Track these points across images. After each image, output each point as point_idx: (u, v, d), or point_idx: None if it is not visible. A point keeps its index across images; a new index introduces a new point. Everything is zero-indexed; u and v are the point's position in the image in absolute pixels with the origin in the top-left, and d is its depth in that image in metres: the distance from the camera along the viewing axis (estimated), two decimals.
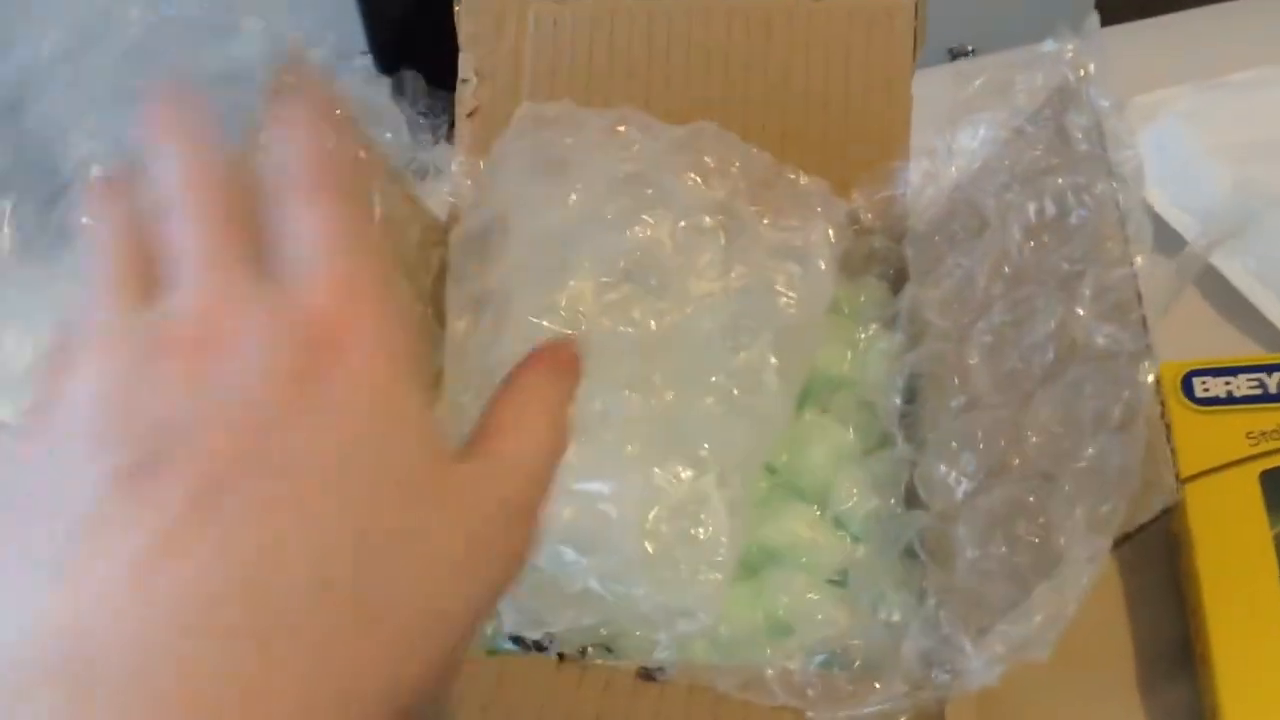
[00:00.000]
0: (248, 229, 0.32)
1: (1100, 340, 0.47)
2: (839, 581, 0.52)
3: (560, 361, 0.37)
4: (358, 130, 0.34)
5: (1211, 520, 0.57)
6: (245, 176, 0.34)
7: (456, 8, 0.65)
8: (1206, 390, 0.61)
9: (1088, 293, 0.48)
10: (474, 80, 0.65)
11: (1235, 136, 0.74)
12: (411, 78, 0.60)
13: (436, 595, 0.31)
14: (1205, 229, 0.68)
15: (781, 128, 0.63)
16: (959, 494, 0.48)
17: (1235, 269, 0.69)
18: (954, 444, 0.49)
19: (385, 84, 0.57)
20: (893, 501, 0.52)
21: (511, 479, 0.34)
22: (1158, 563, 0.59)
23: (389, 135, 0.57)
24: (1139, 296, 0.47)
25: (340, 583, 0.29)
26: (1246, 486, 0.58)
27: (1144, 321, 0.46)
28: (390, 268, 0.34)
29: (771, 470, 0.56)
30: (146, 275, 0.32)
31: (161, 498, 0.28)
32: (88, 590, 0.27)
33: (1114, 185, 0.50)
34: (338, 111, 0.36)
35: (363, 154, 0.37)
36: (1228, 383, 0.61)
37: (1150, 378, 0.44)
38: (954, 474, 0.48)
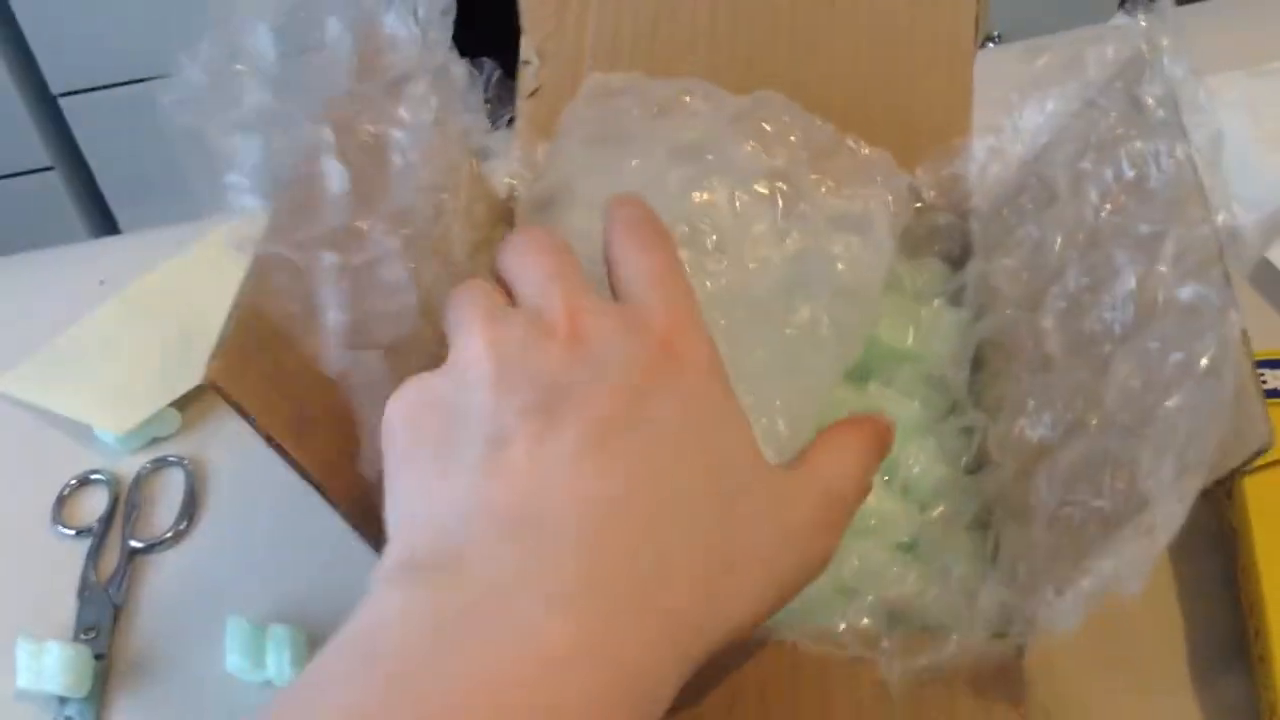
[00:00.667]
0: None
1: (1183, 296, 0.46)
2: (908, 547, 0.51)
3: (880, 431, 0.44)
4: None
5: (1271, 514, 0.56)
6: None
7: None
8: (1265, 383, 0.60)
9: (1169, 252, 0.47)
10: (535, 61, 0.65)
11: None
12: (490, 66, 0.60)
13: (759, 569, 0.38)
14: (1258, 219, 0.67)
15: (843, 104, 0.63)
16: (1037, 445, 0.46)
17: None
18: (1030, 403, 0.48)
19: (464, 66, 0.57)
20: (961, 470, 0.51)
21: (825, 493, 0.41)
22: (1211, 556, 0.59)
23: (468, 116, 0.57)
24: (1221, 253, 0.46)
25: (708, 518, 0.37)
26: None
27: (1227, 277, 0.45)
28: (696, 304, 0.42)
29: None
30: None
31: (560, 430, 0.36)
32: (518, 481, 0.35)
33: (1192, 150, 0.49)
34: None
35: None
36: None
37: (1237, 328, 0.43)
38: (1031, 429, 0.47)
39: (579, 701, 0.32)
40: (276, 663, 0.59)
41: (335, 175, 0.48)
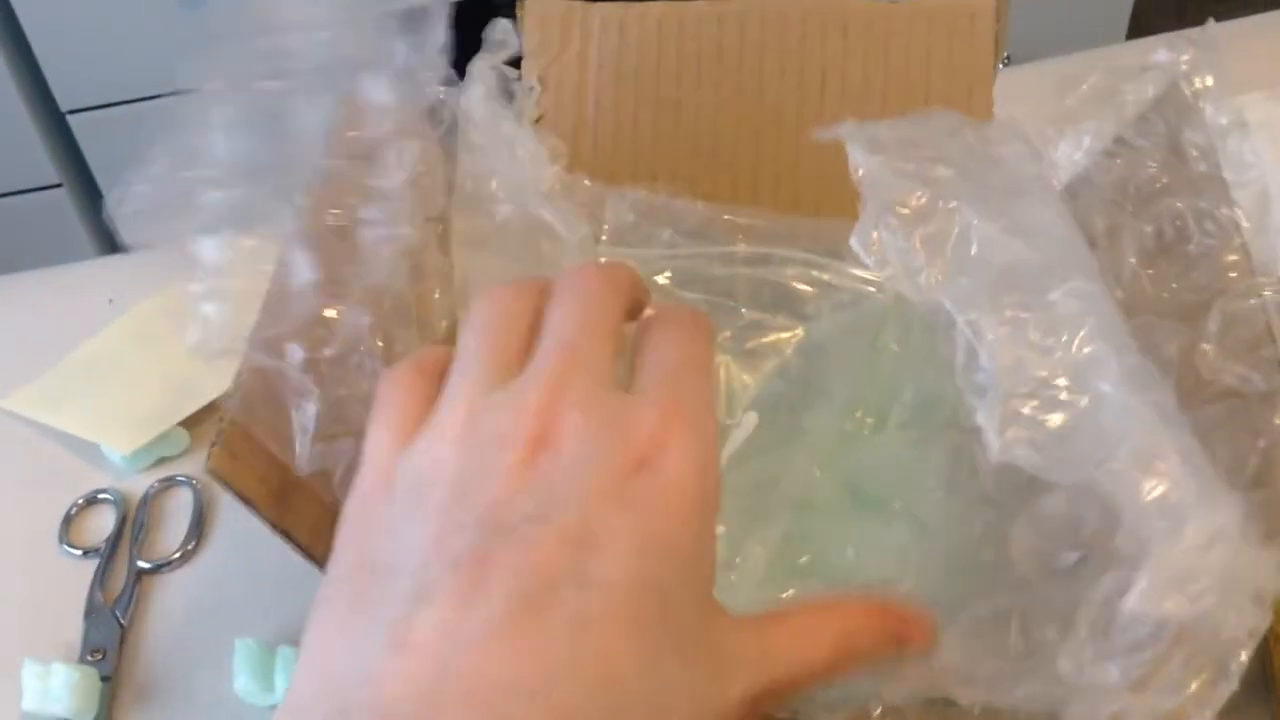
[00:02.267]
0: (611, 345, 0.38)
1: (1228, 379, 0.44)
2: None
3: (896, 630, 0.40)
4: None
5: None
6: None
7: (519, 13, 0.62)
8: None
9: (1213, 328, 0.45)
10: (538, 88, 0.63)
11: None
12: None
13: None
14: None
15: None
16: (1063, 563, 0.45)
17: None
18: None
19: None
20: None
21: (773, 673, 0.37)
22: None
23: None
24: (1270, 333, 0.44)
25: (632, 701, 0.32)
26: None
27: (1278, 361, 0.44)
28: (712, 399, 0.38)
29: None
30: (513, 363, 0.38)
31: (491, 588, 0.32)
32: (420, 663, 0.31)
33: (1237, 211, 0.47)
34: None
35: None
36: None
37: None
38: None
39: None
40: (285, 685, 0.58)
41: (302, 266, 0.47)
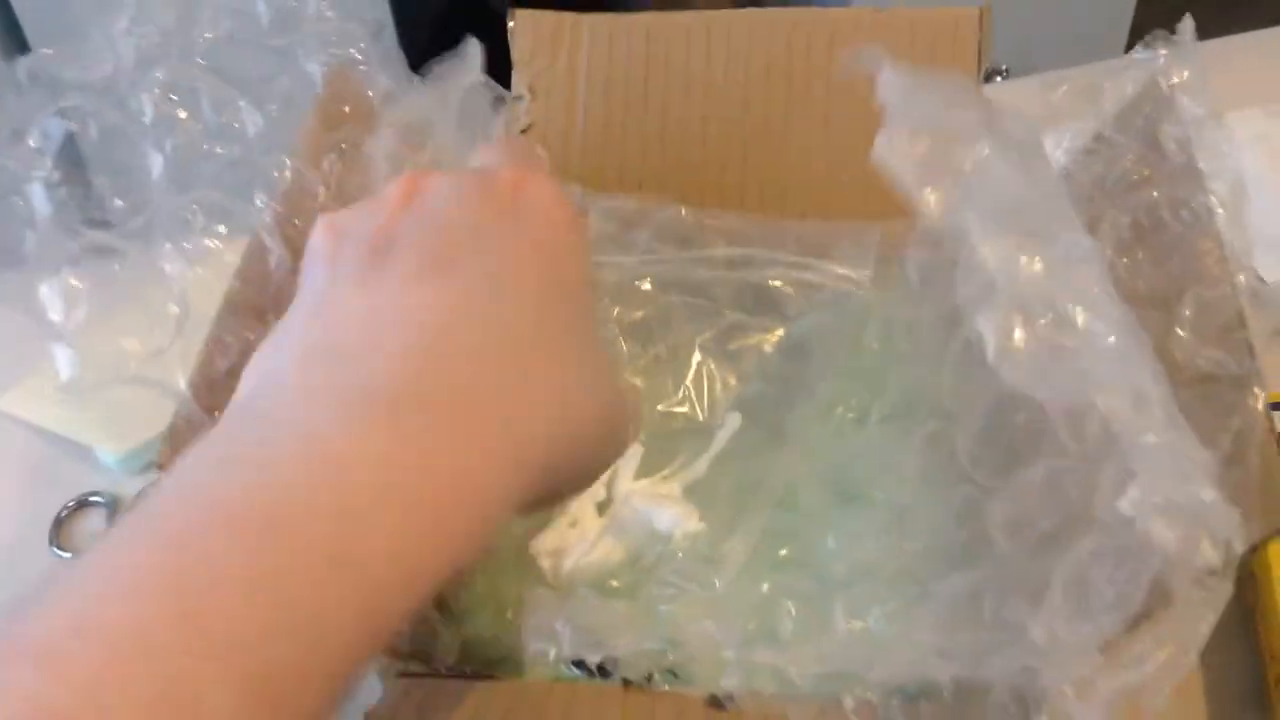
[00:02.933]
0: None
1: (1201, 363, 0.44)
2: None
3: None
4: None
5: None
6: None
7: (510, 25, 0.63)
8: None
9: (1187, 313, 0.45)
10: (527, 97, 0.63)
11: None
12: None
13: (575, 410, 0.39)
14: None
15: (845, 141, 0.61)
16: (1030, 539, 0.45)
17: None
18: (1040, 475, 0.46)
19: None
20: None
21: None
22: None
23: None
24: (1241, 318, 0.44)
25: (534, 351, 0.38)
26: None
27: (1249, 345, 0.44)
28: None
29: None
30: None
31: (388, 268, 0.37)
32: (339, 318, 0.37)
33: (1212, 199, 0.48)
34: None
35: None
36: None
37: (1260, 404, 0.42)
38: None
39: (369, 504, 0.31)
40: None
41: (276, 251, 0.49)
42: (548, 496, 0.39)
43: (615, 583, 0.52)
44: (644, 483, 0.55)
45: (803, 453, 0.55)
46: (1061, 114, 0.55)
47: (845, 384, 0.56)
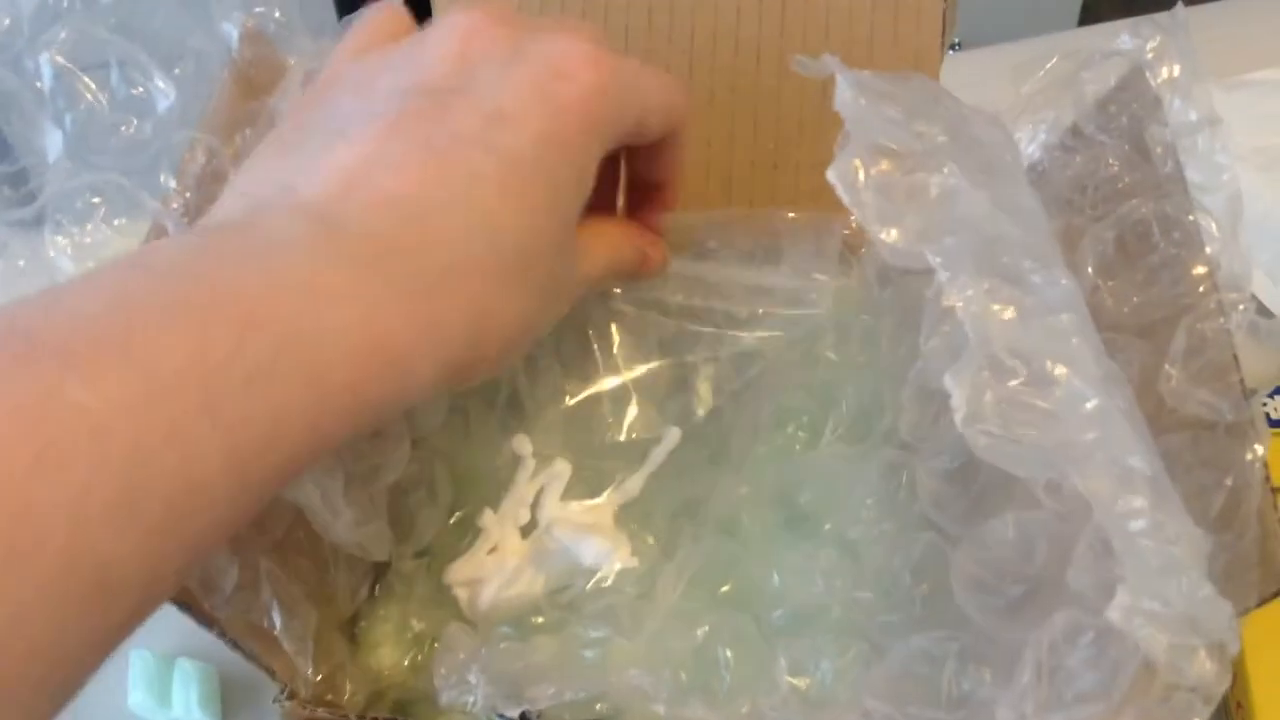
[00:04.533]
0: None
1: (1193, 407, 0.40)
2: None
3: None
4: None
5: None
6: None
7: None
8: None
9: (1178, 348, 0.41)
10: None
11: (1260, 140, 0.68)
12: None
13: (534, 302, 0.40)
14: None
15: (798, 119, 0.56)
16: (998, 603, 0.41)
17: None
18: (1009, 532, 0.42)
19: None
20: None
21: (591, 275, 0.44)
22: None
23: None
24: (1235, 358, 0.40)
25: (507, 250, 0.38)
26: None
27: (1243, 386, 0.39)
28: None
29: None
30: None
31: (405, 134, 0.37)
32: (335, 172, 0.36)
33: (1206, 218, 0.43)
34: None
35: None
36: None
37: (1259, 463, 0.38)
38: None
39: (333, 336, 0.32)
40: (183, 701, 0.55)
41: None
42: (469, 369, 0.38)
43: (539, 619, 0.48)
44: (574, 506, 0.51)
45: (748, 473, 0.50)
46: (1036, 106, 0.50)
47: (798, 398, 0.52)
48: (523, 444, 0.53)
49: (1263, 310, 0.56)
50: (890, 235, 0.36)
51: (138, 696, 0.55)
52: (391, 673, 0.49)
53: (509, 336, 0.39)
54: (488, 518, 0.50)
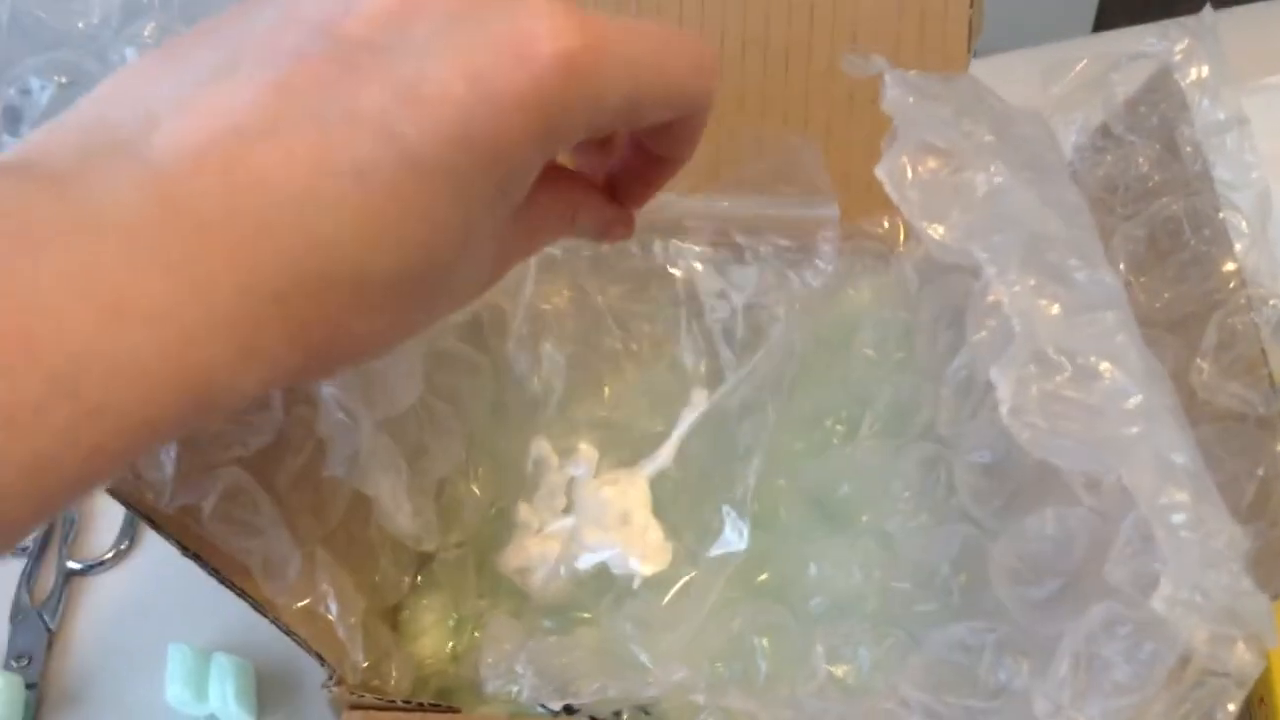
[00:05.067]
0: None
1: (1224, 400, 0.41)
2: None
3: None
4: None
5: None
6: None
7: None
8: None
9: (1209, 343, 0.42)
10: None
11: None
12: None
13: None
14: None
15: (826, 123, 0.57)
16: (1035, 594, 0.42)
17: None
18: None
19: None
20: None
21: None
22: None
23: None
24: (1264, 351, 0.41)
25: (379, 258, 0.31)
26: None
27: (1271, 380, 0.40)
28: None
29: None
30: None
31: (296, 92, 0.30)
32: (193, 120, 0.30)
33: (1236, 215, 0.44)
34: None
35: None
36: None
37: None
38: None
39: (133, 370, 0.27)
40: (220, 694, 0.55)
41: None
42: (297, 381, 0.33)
43: (584, 614, 0.49)
44: (605, 482, 0.51)
45: (785, 466, 0.51)
46: (1065, 107, 0.51)
47: (835, 393, 0.52)
48: (540, 445, 0.53)
49: None
50: (937, 232, 0.36)
51: (175, 690, 0.55)
52: (434, 661, 0.50)
53: (357, 355, 0.33)
54: (523, 511, 0.51)
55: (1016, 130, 0.41)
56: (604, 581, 0.50)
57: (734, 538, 0.48)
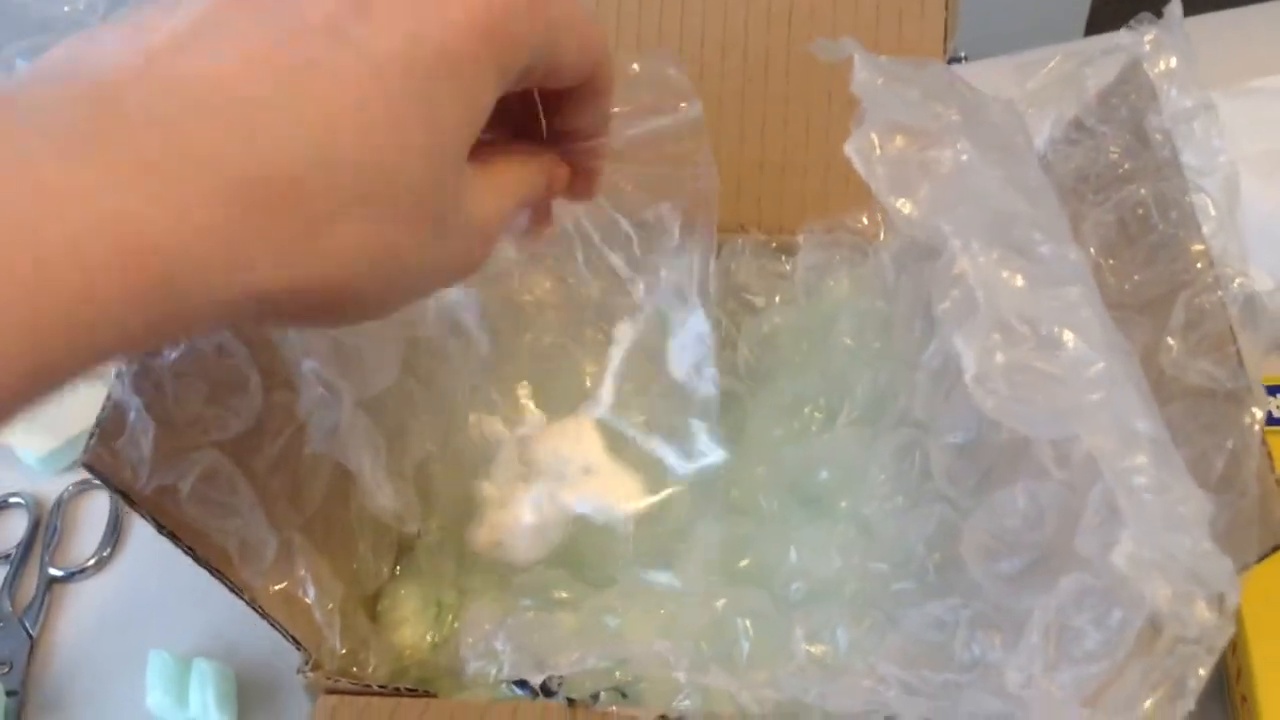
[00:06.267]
0: None
1: (1193, 377, 0.41)
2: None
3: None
4: None
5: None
6: None
7: None
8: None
9: (1177, 321, 0.42)
10: None
11: (1262, 145, 0.69)
12: None
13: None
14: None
15: (805, 123, 0.58)
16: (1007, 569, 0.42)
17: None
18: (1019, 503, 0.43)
19: None
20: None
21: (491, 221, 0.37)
22: None
23: None
24: (1231, 329, 0.41)
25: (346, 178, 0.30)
26: None
27: (1239, 356, 0.41)
28: None
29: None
30: None
31: (250, 6, 0.30)
32: (153, 39, 0.30)
33: (1203, 198, 0.44)
34: None
35: None
36: None
37: (1257, 425, 0.39)
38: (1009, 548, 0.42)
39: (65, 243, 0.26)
40: (200, 701, 0.55)
41: None
42: (313, 305, 0.32)
43: (563, 594, 0.49)
44: (553, 429, 0.52)
45: (765, 454, 0.51)
46: (1040, 101, 0.51)
47: (814, 381, 0.53)
48: (493, 424, 0.53)
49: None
50: (905, 207, 0.37)
51: (155, 696, 0.55)
52: (414, 650, 0.50)
53: (358, 271, 0.32)
54: (485, 487, 0.51)
55: (985, 114, 0.41)
56: (591, 534, 0.50)
57: (710, 448, 0.48)
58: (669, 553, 0.49)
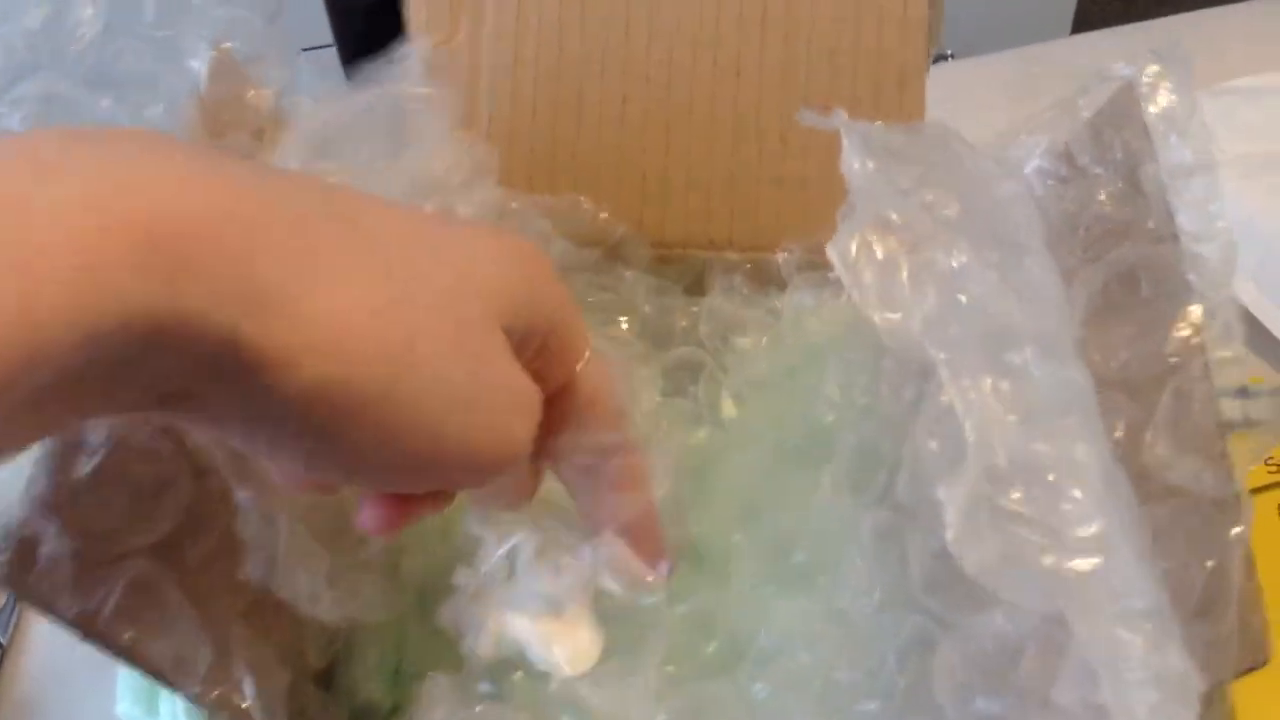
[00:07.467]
0: None
1: (1174, 477, 0.39)
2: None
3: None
4: None
5: None
6: None
7: None
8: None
9: (1165, 411, 0.40)
10: None
11: (1243, 147, 0.67)
12: None
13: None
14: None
15: (779, 131, 0.55)
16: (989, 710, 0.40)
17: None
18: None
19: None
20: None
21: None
22: None
23: None
24: (1218, 426, 0.39)
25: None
26: (1268, 516, 0.56)
27: (1227, 457, 0.39)
28: None
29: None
30: None
31: None
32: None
33: (1200, 268, 0.42)
34: None
35: None
36: None
37: (1241, 542, 0.37)
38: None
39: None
40: (170, 710, 0.54)
41: None
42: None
43: (519, 674, 0.46)
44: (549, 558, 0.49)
45: (743, 518, 0.49)
46: (1031, 128, 0.48)
47: (797, 431, 0.50)
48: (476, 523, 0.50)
49: (1245, 316, 0.56)
50: (889, 327, 0.34)
51: (125, 706, 0.55)
52: (369, 707, 0.48)
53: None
54: (461, 574, 0.49)
55: (987, 190, 0.38)
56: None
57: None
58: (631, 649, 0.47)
